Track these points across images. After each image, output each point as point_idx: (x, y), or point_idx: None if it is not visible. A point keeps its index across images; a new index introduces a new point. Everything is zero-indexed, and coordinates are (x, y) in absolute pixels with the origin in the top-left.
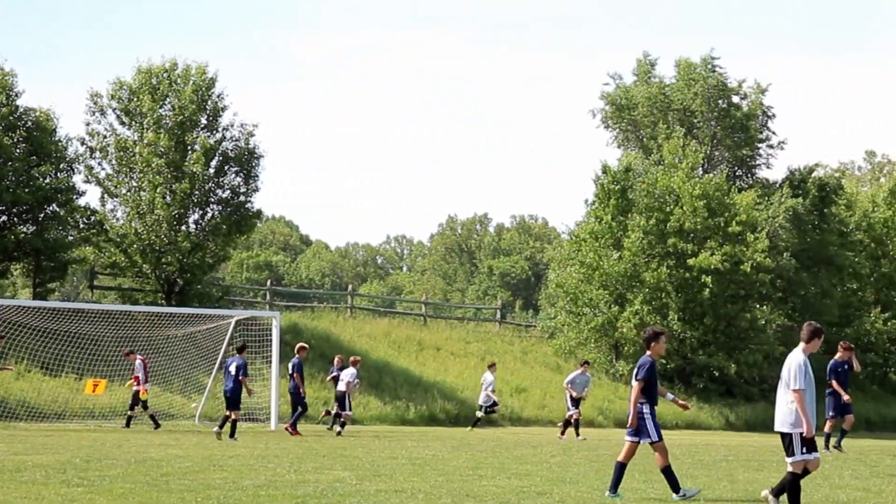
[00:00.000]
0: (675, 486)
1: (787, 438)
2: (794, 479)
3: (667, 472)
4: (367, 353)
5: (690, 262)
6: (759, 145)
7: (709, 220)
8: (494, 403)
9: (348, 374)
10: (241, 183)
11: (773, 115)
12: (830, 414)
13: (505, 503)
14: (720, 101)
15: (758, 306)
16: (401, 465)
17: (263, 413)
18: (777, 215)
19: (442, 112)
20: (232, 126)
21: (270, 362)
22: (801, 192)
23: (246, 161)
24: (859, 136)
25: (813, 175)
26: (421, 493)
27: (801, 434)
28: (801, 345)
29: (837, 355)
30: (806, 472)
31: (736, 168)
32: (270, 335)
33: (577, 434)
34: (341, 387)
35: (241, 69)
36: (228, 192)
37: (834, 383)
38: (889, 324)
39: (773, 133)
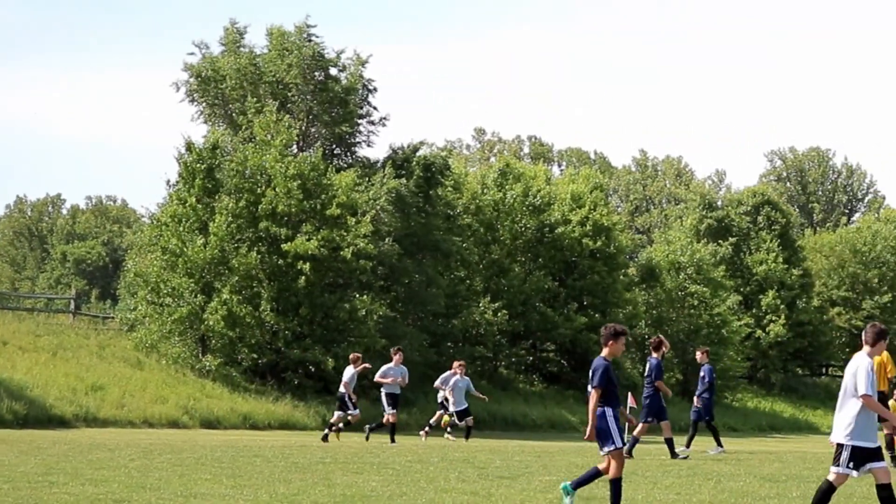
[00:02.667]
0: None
1: (839, 448)
2: (829, 488)
3: (616, 484)
4: None
5: (285, 247)
6: (360, 121)
7: (304, 203)
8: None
9: (347, 373)
10: None
11: (375, 90)
12: (647, 419)
13: None
14: (317, 74)
15: (357, 295)
16: None
17: None
18: (379, 197)
19: (8, 78)
20: None
21: None
22: (405, 172)
23: None
24: (468, 112)
25: (418, 154)
26: None
27: (854, 447)
28: (866, 348)
29: (656, 354)
30: (831, 487)
31: (334, 146)
32: None
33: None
34: (341, 388)
35: None
36: None
37: (660, 384)
38: (499, 314)
39: (375, 108)
